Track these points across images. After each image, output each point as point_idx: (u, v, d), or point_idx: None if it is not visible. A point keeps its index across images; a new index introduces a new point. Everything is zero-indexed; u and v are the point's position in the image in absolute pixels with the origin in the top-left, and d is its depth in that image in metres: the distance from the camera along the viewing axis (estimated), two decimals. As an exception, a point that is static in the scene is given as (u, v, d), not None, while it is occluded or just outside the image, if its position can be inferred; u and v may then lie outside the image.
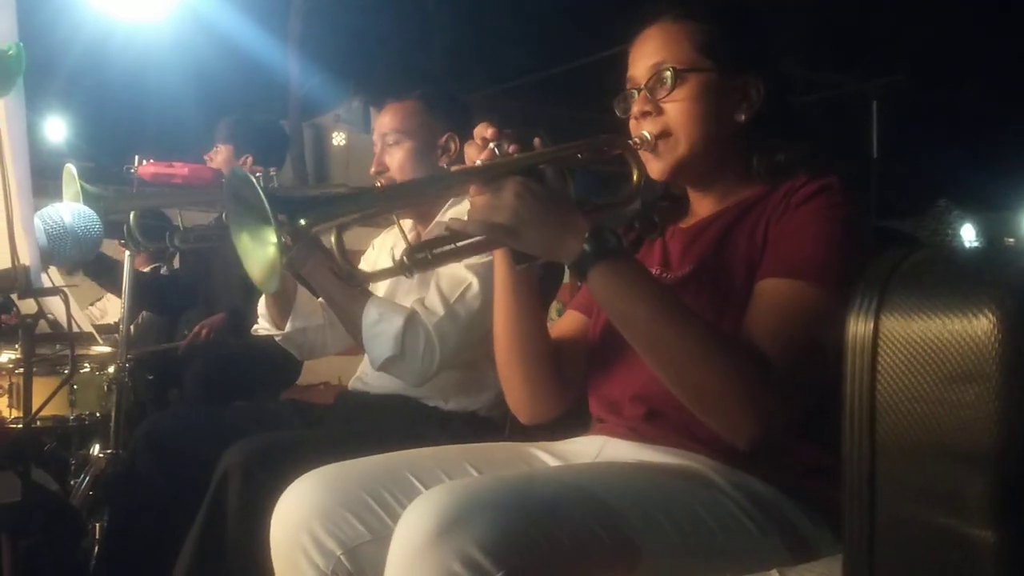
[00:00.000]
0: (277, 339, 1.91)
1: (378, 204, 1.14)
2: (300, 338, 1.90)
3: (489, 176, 1.10)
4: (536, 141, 1.16)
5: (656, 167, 1.24)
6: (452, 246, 1.14)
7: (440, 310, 1.64)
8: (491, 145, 1.13)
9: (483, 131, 1.16)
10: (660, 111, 1.22)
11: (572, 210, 1.09)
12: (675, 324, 1.05)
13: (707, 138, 1.22)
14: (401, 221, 1.20)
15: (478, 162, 1.14)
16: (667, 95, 1.21)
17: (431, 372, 1.64)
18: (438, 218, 1.81)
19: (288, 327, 1.87)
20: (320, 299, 1.89)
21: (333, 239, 1.08)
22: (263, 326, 1.93)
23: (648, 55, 1.24)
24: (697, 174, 1.27)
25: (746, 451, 1.05)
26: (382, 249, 2.02)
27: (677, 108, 1.21)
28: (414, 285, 1.77)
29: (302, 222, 1.01)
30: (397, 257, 1.13)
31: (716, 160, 1.25)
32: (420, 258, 1.13)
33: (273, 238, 1.01)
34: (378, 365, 1.64)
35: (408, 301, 1.70)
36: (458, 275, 1.65)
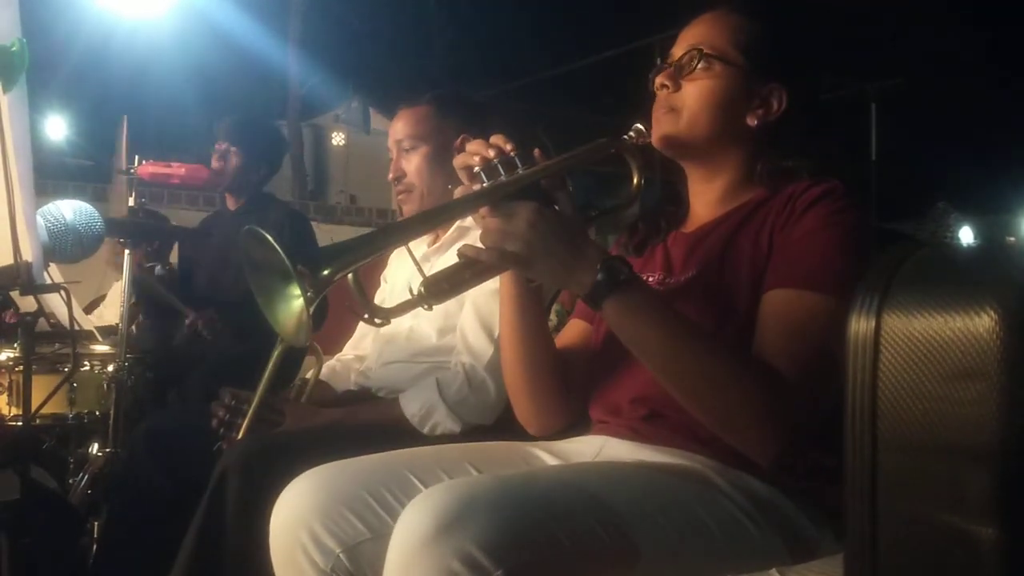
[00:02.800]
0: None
1: (392, 241, 1.15)
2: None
3: (496, 197, 1.10)
4: (536, 152, 1.15)
5: (656, 134, 1.25)
6: (467, 273, 1.15)
7: (488, 349, 1.65)
8: (495, 162, 1.12)
9: (479, 148, 1.14)
10: (678, 87, 1.24)
11: (584, 240, 1.09)
12: (692, 350, 1.05)
13: (710, 127, 1.23)
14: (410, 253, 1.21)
15: (476, 169, 1.13)
16: (690, 74, 1.23)
17: (500, 406, 1.64)
18: (458, 222, 1.82)
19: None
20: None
21: (351, 279, 1.09)
22: None
23: (691, 37, 1.26)
24: (692, 158, 1.28)
25: (767, 468, 1.06)
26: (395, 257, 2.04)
27: (692, 87, 1.23)
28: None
29: (325, 272, 1.01)
30: (414, 291, 1.13)
31: (716, 153, 1.26)
32: (437, 289, 1.13)
33: (296, 293, 1.00)
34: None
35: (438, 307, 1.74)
36: (492, 304, 1.65)
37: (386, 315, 1.14)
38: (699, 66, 1.22)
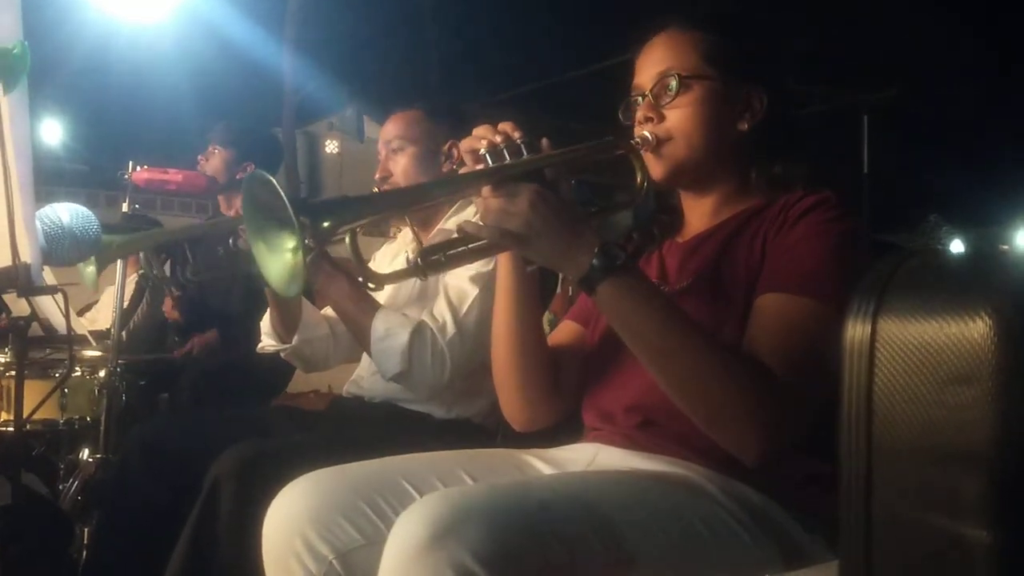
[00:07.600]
0: (283, 354, 1.92)
1: (394, 205, 1.16)
2: (307, 350, 1.92)
3: (500, 179, 1.10)
4: (544, 141, 1.16)
5: (657, 170, 1.25)
6: (464, 248, 1.15)
7: (451, 326, 1.66)
8: (501, 146, 1.13)
9: (486, 132, 1.15)
10: (662, 117, 1.24)
11: (583, 224, 1.10)
12: (683, 339, 1.05)
13: (708, 144, 1.23)
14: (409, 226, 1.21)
15: (482, 151, 1.13)
16: (671, 101, 1.23)
17: (441, 385, 1.68)
18: (440, 225, 1.82)
19: (295, 340, 1.89)
20: (323, 311, 1.91)
21: (348, 242, 1.09)
22: (268, 343, 1.94)
23: (655, 63, 1.26)
24: (695, 181, 1.28)
25: (752, 466, 1.06)
26: (382, 260, 2.03)
27: (680, 114, 1.23)
28: (414, 296, 1.79)
29: (325, 224, 1.01)
30: (411, 258, 1.14)
31: (715, 169, 1.26)
32: (434, 260, 1.14)
33: (293, 242, 1.00)
34: (388, 378, 1.69)
35: (411, 312, 1.71)
36: (464, 287, 1.68)
37: (380, 281, 1.15)
38: (679, 91, 1.22)
